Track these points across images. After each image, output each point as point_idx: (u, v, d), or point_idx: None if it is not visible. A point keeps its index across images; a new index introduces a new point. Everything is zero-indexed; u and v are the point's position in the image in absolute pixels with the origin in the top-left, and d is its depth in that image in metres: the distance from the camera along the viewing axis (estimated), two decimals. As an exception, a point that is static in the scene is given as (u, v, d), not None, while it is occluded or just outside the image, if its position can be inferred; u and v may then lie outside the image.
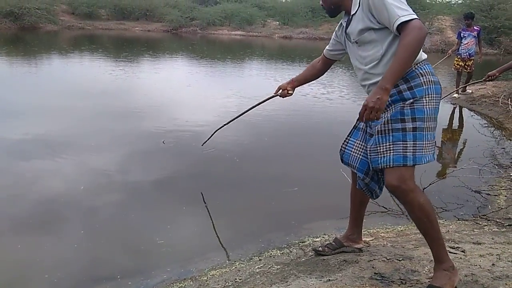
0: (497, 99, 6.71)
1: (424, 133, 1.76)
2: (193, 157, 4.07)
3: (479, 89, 7.40)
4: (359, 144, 2.00)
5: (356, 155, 2.01)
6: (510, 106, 6.25)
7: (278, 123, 5.62)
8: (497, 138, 5.31)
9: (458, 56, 7.67)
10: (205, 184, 3.50)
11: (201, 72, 10.60)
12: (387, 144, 1.77)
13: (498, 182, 3.62)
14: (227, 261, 2.41)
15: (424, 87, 1.76)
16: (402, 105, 1.77)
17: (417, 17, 1.66)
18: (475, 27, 7.71)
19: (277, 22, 28.82)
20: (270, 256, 2.39)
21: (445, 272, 1.79)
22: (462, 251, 2.24)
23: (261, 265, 2.27)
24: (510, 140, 5.17)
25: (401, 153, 1.75)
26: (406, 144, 1.75)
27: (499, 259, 2.12)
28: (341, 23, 2.02)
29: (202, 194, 3.30)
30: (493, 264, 2.05)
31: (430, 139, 1.79)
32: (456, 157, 4.67)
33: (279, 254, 2.40)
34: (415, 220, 1.84)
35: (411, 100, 1.76)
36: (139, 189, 3.37)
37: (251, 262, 2.34)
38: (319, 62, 2.33)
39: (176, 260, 2.43)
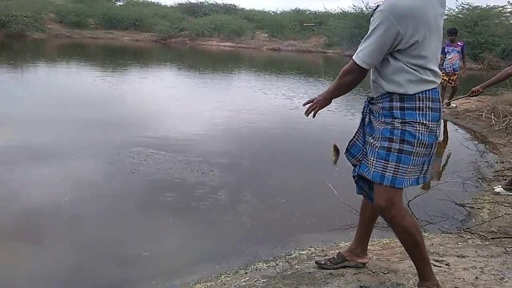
0: (480, 113, 6.85)
1: (411, 157, 1.74)
2: (179, 168, 4.05)
3: (463, 103, 7.55)
4: (363, 140, 1.95)
5: (362, 150, 1.95)
6: (493, 120, 6.38)
7: (267, 135, 5.64)
8: (481, 151, 5.40)
9: (443, 71, 7.82)
10: (191, 196, 3.48)
11: (189, 83, 10.61)
12: (372, 158, 1.81)
13: (482, 195, 3.67)
14: (212, 274, 2.38)
15: (418, 112, 1.73)
16: (392, 123, 1.76)
17: (359, 58, 1.75)
18: (458, 43, 7.90)
19: (266, 34, 29.08)
20: (256, 269, 2.38)
21: (429, 289, 1.82)
22: (447, 264, 2.26)
23: (247, 278, 2.26)
24: (494, 153, 5.26)
25: (380, 171, 1.76)
26: (388, 164, 1.75)
27: (482, 272, 2.14)
28: None
29: (189, 206, 3.28)
30: (476, 277, 2.08)
31: (417, 164, 1.77)
32: (441, 170, 4.73)
33: (265, 267, 2.39)
34: (401, 241, 1.87)
35: (401, 120, 1.74)
36: (125, 201, 3.33)
37: (237, 276, 2.33)
38: None
39: (162, 273, 2.40)
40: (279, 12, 32.56)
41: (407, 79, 1.73)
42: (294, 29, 28.72)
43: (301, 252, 2.59)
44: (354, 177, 2.00)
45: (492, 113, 6.56)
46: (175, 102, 7.64)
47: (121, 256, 2.59)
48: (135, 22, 25.92)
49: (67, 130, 5.19)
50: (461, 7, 22.10)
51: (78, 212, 3.08)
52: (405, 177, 1.76)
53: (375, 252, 2.51)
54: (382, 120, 1.79)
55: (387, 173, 1.75)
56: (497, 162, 4.75)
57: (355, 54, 1.77)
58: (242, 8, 32.64)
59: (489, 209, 3.35)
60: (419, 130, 1.73)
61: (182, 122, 6.06)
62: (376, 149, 1.79)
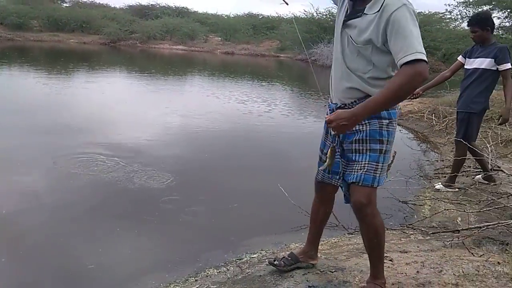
0: (422, 114, 7.23)
1: (387, 155, 1.81)
2: (127, 175, 3.93)
3: (406, 105, 7.93)
4: (340, 151, 1.87)
5: (341, 163, 1.88)
6: (434, 121, 6.76)
7: (219, 140, 5.62)
8: (422, 151, 5.70)
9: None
10: (141, 204, 3.40)
11: (140, 87, 10.36)
12: (363, 161, 1.77)
13: (423, 192, 3.87)
14: (162, 284, 2.33)
15: (396, 110, 1.80)
16: (379, 124, 1.77)
17: (423, 55, 1.55)
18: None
19: (219, 38, 29.05)
20: (207, 276, 2.36)
21: (376, 286, 1.89)
22: (390, 260, 2.35)
23: (197, 285, 2.23)
24: (435, 152, 5.57)
25: (372, 173, 1.77)
26: (378, 165, 1.78)
27: (423, 266, 2.25)
28: (346, 1, 1.81)
29: (137, 215, 3.20)
30: (417, 272, 2.18)
31: (388, 161, 1.84)
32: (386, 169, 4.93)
33: (216, 273, 2.38)
34: (365, 239, 1.91)
35: (388, 121, 1.77)
36: (69, 211, 3.19)
37: (187, 284, 2.29)
38: None
39: (108, 286, 2.32)
40: (232, 16, 32.67)
41: (386, 79, 1.76)
42: (247, 33, 28.90)
43: (252, 256, 2.60)
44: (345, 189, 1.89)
45: (433, 114, 6.95)
46: (124, 108, 7.43)
47: (64, 270, 2.47)
48: (82, 24, 25.00)
49: (7, 137, 4.89)
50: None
51: (16, 225, 2.90)
52: (383, 175, 1.82)
53: (323, 251, 2.57)
54: (366, 122, 1.76)
55: (377, 175, 1.78)
56: (437, 161, 5.03)
57: (410, 54, 1.53)
58: (195, 11, 32.40)
59: (430, 205, 3.53)
60: (394, 127, 1.81)
61: (132, 128, 5.89)
62: (368, 153, 1.77)
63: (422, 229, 3.00)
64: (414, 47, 1.54)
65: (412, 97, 4.18)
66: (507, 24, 10.53)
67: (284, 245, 2.80)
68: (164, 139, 5.36)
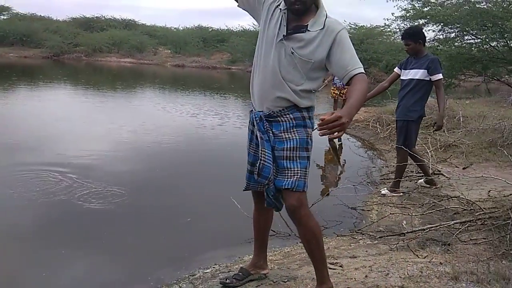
0: (368, 123, 7.55)
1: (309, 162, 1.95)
2: (73, 193, 3.76)
3: (353, 114, 8.24)
4: (272, 158, 1.91)
5: (272, 168, 1.91)
6: (378, 129, 7.08)
7: (170, 154, 5.52)
8: (369, 158, 5.94)
9: (334, 86, 8.47)
10: (88, 223, 3.25)
11: (86, 102, 9.99)
12: (296, 169, 1.88)
13: (371, 198, 4.02)
14: (111, 306, 2.23)
15: (313, 121, 1.97)
16: (306, 133, 1.91)
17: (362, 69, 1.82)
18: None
19: (169, 51, 28.78)
20: (158, 295, 2.29)
21: (326, 292, 1.93)
22: (340, 266, 2.42)
23: (149, 305, 2.16)
24: (380, 159, 5.82)
25: (303, 179, 1.90)
26: (307, 171, 1.92)
27: (371, 270, 2.33)
28: (281, 12, 1.85)
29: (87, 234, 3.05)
30: (366, 276, 2.25)
31: None
32: (335, 177, 5.10)
33: (168, 291, 2.32)
34: (305, 242, 1.98)
35: (311, 130, 1.93)
36: (9, 232, 2.98)
37: (138, 304, 2.21)
38: None
39: (52, 313, 2.19)
40: (182, 28, 32.52)
41: (315, 93, 1.94)
42: (198, 45, 28.88)
43: (205, 271, 2.56)
44: (272, 195, 1.95)
45: (378, 122, 7.28)
46: (70, 124, 7.09)
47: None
48: (22, 37, 23.82)
49: None
50: (348, 27, 24.32)
51: None
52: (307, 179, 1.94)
53: (276, 261, 2.59)
54: (295, 130, 1.89)
55: (306, 180, 1.91)
56: (383, 167, 5.26)
57: (360, 68, 1.78)
58: (143, 24, 31.98)
59: (377, 210, 3.67)
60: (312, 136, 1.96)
61: (78, 144, 5.64)
62: (298, 160, 1.89)
63: (370, 233, 3.11)
64: (359, 63, 1.81)
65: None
66: (441, 36, 11.27)
67: (238, 257, 2.79)
68: (113, 156, 5.19)
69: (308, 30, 1.80)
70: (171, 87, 14.80)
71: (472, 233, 2.93)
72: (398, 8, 11.53)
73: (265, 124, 1.92)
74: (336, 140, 7.55)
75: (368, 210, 3.69)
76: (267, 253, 2.52)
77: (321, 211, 3.53)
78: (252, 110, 2.02)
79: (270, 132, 1.91)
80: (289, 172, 1.88)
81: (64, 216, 3.35)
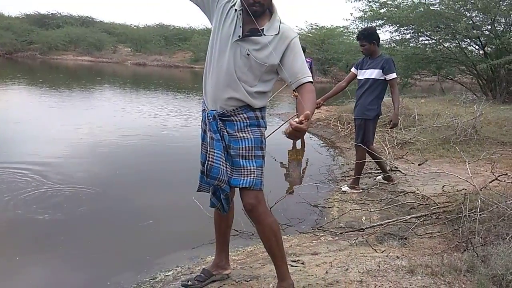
0: (329, 122, 7.70)
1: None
2: (28, 195, 3.59)
3: (315, 113, 8.37)
4: (224, 157, 1.91)
5: (224, 168, 1.91)
6: (339, 127, 7.23)
7: (130, 156, 5.39)
8: (331, 155, 6.06)
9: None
10: (44, 227, 3.11)
11: (42, 102, 9.56)
12: (251, 168, 1.91)
13: (332, 195, 4.10)
14: (67, 314, 2.15)
15: (266, 120, 2.02)
16: (260, 133, 1.95)
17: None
18: (307, 59, 8.77)
19: (129, 49, 28.11)
20: (117, 300, 2.22)
21: (285, 290, 1.95)
22: (302, 263, 2.44)
23: (107, 312, 2.09)
24: (341, 156, 5.95)
25: (260, 177, 1.93)
26: (262, 170, 1.95)
27: (331, 266, 2.37)
28: (236, 12, 1.87)
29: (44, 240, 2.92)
30: (326, 272, 2.29)
31: None
32: (298, 175, 5.16)
33: (127, 296, 2.26)
34: (264, 239, 1.99)
35: (264, 129, 1.97)
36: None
37: (96, 311, 2.14)
38: None
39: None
40: (142, 26, 31.85)
41: (269, 94, 1.99)
42: (159, 44, 28.38)
43: (166, 274, 2.51)
44: (225, 194, 1.97)
45: (338, 121, 7.44)
46: (25, 125, 6.76)
47: None
48: (-30, 34, 22.48)
49: None
50: (310, 27, 24.72)
51: None
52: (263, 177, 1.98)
53: (239, 261, 2.59)
54: (249, 129, 1.93)
55: (262, 178, 1.94)
56: (343, 164, 5.37)
57: (309, 76, 1.87)
58: (101, 21, 31.05)
59: (338, 207, 3.75)
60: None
61: (34, 146, 5.39)
62: (254, 159, 1.92)
63: (331, 230, 3.17)
64: (308, 71, 1.91)
65: (316, 107, 4.42)
66: (397, 37, 11.67)
67: (201, 259, 2.76)
68: (72, 157, 4.99)
69: (264, 34, 1.84)
70: (132, 86, 14.45)
71: (428, 227, 3.05)
72: (356, 9, 11.83)
73: (218, 123, 1.91)
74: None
75: (329, 207, 3.76)
76: (230, 253, 2.52)
77: (284, 209, 3.58)
78: (204, 109, 2.01)
79: (225, 131, 1.91)
80: (245, 171, 1.91)
81: (18, 220, 3.19)
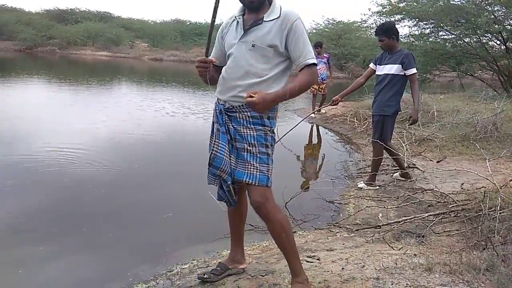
0: (345, 117, 7.64)
1: (272, 159, 1.99)
2: (51, 190, 3.67)
3: (331, 109, 8.32)
4: (228, 149, 1.96)
5: (227, 159, 1.95)
6: (356, 123, 7.17)
7: (148, 150, 5.45)
8: (347, 152, 6.01)
9: (313, 80, 8.53)
10: (66, 219, 3.18)
11: (61, 96, 9.73)
12: (256, 163, 1.91)
13: (348, 191, 4.07)
14: (87, 304, 2.20)
15: (275, 121, 2.01)
16: (264, 131, 1.94)
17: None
18: (324, 55, 8.72)
19: (146, 44, 28.33)
20: (135, 292, 2.26)
21: (300, 285, 1.95)
22: (318, 259, 2.44)
23: (125, 302, 2.13)
24: (357, 153, 5.90)
25: (266, 174, 1.92)
26: (269, 167, 1.94)
27: (347, 262, 2.36)
28: (236, 20, 1.98)
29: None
30: (342, 268, 2.28)
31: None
32: (314, 171, 5.14)
33: (145, 288, 2.29)
34: (275, 236, 1.99)
35: (269, 129, 1.96)
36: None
37: (114, 302, 2.18)
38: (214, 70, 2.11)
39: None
40: (159, 21, 32.05)
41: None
42: (175, 39, 28.53)
43: (183, 267, 2.54)
44: (226, 186, 2.01)
45: (355, 117, 7.37)
46: (47, 118, 6.91)
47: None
48: (-8, 29, 22.99)
49: None
50: (327, 22, 24.48)
51: None
52: (272, 175, 1.97)
53: (254, 256, 2.60)
54: (252, 127, 1.93)
55: (269, 175, 1.93)
56: (360, 161, 5.33)
57: (311, 58, 1.87)
58: (119, 16, 31.42)
59: (354, 204, 3.72)
60: (274, 136, 2.01)
61: (57, 137, 5.50)
62: (258, 155, 1.91)
63: (347, 226, 3.15)
64: (311, 54, 1.89)
65: (332, 104, 4.40)
66: (416, 32, 11.47)
67: (216, 253, 2.78)
68: (90, 152, 5.07)
69: (265, 21, 1.88)
70: (149, 81, 14.58)
71: (446, 225, 3.00)
72: (374, 3, 11.65)
73: (224, 117, 1.96)
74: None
75: (345, 204, 3.74)
76: (245, 248, 2.54)
77: (299, 205, 3.58)
78: (216, 102, 2.06)
79: (230, 125, 1.95)
80: (250, 166, 1.91)
81: (40, 212, 3.27)
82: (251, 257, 2.55)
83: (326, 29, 24.17)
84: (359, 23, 22.53)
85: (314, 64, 1.89)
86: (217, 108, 2.02)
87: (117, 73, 17.09)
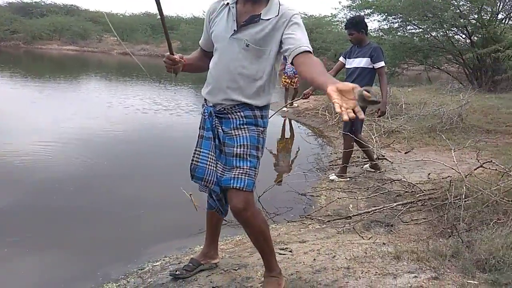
0: (317, 111, 7.72)
1: (259, 162, 1.89)
2: (16, 189, 3.53)
3: (303, 103, 8.39)
4: (213, 156, 1.87)
5: (212, 168, 1.86)
6: (327, 116, 7.25)
7: (119, 145, 5.33)
8: (319, 144, 6.08)
9: (285, 75, 8.57)
10: (33, 217, 3.07)
11: (27, 92, 9.38)
12: (245, 167, 1.80)
13: (320, 184, 4.12)
14: (55, 305, 2.13)
15: (267, 119, 1.91)
16: (257, 131, 1.84)
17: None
18: (296, 49, 8.75)
19: (115, 38, 27.62)
20: (105, 291, 2.22)
21: (274, 278, 1.96)
22: (290, 251, 2.46)
23: (95, 302, 2.09)
24: (329, 145, 5.98)
25: (253, 178, 1.82)
26: (255, 171, 1.84)
27: (319, 253, 2.39)
28: (229, 7, 1.81)
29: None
30: (314, 259, 2.31)
31: None
32: (287, 164, 5.17)
33: (115, 287, 2.25)
34: (253, 240, 1.95)
35: (262, 129, 1.86)
36: None
37: (83, 302, 2.13)
38: (199, 56, 2.05)
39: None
40: (128, 15, 31.33)
41: (271, 91, 1.88)
42: (146, 32, 27.99)
43: (154, 264, 2.51)
44: (216, 195, 1.96)
45: (326, 111, 7.46)
46: (12, 114, 6.64)
47: None
48: (-50, 22, 21.88)
49: None
50: (298, 16, 24.57)
51: None
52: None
53: (228, 250, 2.59)
54: (245, 127, 1.82)
55: (255, 179, 1.84)
56: (331, 153, 5.40)
57: (306, 46, 1.66)
58: (86, 9, 30.44)
59: (325, 196, 3.77)
60: (265, 136, 1.90)
61: (23, 134, 5.29)
62: (249, 158, 1.80)
63: (319, 218, 3.19)
64: (308, 43, 1.72)
65: (304, 97, 4.44)
66: (385, 26, 11.70)
67: (189, 249, 2.76)
68: (59, 148, 4.92)
69: (262, 19, 1.75)
70: (118, 76, 14.25)
71: (413, 213, 3.09)
72: (344, -3, 11.81)
73: (213, 120, 1.86)
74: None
75: (317, 196, 3.78)
76: (219, 243, 2.52)
77: (272, 198, 3.59)
78: (203, 104, 1.96)
79: (220, 128, 1.85)
80: (239, 170, 1.79)
81: (4, 211, 3.14)
82: (224, 252, 2.54)
83: (297, 23, 24.29)
84: (330, 17, 22.82)
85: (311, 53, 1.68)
86: (205, 111, 1.90)
87: (85, 68, 16.62)
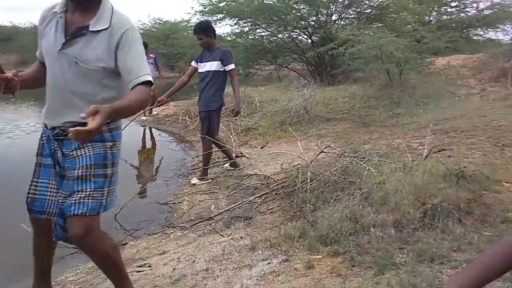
0: (177, 117, 7.64)
1: (115, 177, 1.73)
2: None
3: (163, 110, 8.23)
4: (53, 185, 1.69)
5: (53, 199, 1.69)
6: (188, 121, 7.24)
7: None
8: (181, 150, 6.02)
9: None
10: None
11: None
12: (88, 190, 1.61)
13: (182, 190, 4.07)
14: None
15: (120, 131, 1.75)
16: (104, 148, 1.66)
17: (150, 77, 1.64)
18: (151, 55, 8.54)
19: None
20: None
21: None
22: (149, 266, 2.36)
23: None
24: (191, 150, 5.95)
25: (100, 200, 1.64)
26: (104, 191, 1.66)
27: (179, 261, 2.34)
28: (57, 16, 1.62)
29: None
30: (174, 269, 2.25)
31: (116, 183, 1.76)
32: (150, 175, 4.99)
33: None
34: (101, 268, 1.76)
35: (111, 144, 1.68)
36: None
37: None
38: (37, 68, 1.79)
39: None
40: None
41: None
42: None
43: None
44: (60, 227, 1.69)
45: (187, 115, 7.44)
46: None
47: None
48: None
49: None
50: (153, 22, 24.11)
51: None
52: (112, 197, 1.71)
53: (78, 281, 2.36)
54: (88, 145, 1.63)
55: (103, 200, 1.65)
56: (193, 157, 5.39)
57: (144, 75, 1.57)
58: None
59: (188, 201, 3.73)
60: (119, 149, 1.74)
61: None
62: (93, 179, 1.62)
63: (181, 225, 3.13)
64: (146, 69, 1.61)
65: (158, 105, 4.34)
66: (237, 30, 12.20)
67: None
68: None
69: (90, 31, 1.58)
70: None
71: (269, 203, 3.26)
72: (197, 2, 11.93)
73: (52, 145, 1.67)
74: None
75: (180, 202, 3.72)
76: (67, 275, 2.28)
77: (131, 213, 3.41)
78: (43, 127, 1.75)
79: (59, 152, 1.66)
80: (80, 194, 1.61)
81: None
82: (74, 284, 2.30)
83: (153, 29, 23.73)
84: (185, 23, 22.92)
85: (150, 83, 1.60)
86: (43, 135, 1.71)
87: None
